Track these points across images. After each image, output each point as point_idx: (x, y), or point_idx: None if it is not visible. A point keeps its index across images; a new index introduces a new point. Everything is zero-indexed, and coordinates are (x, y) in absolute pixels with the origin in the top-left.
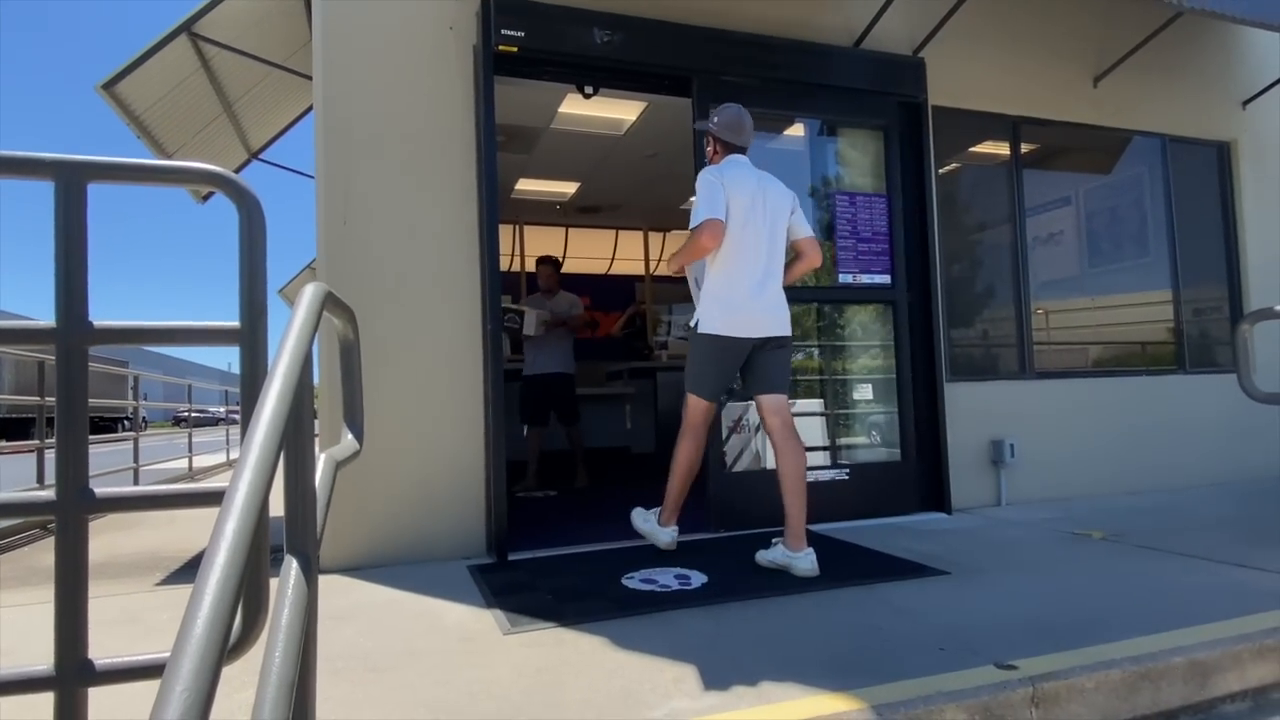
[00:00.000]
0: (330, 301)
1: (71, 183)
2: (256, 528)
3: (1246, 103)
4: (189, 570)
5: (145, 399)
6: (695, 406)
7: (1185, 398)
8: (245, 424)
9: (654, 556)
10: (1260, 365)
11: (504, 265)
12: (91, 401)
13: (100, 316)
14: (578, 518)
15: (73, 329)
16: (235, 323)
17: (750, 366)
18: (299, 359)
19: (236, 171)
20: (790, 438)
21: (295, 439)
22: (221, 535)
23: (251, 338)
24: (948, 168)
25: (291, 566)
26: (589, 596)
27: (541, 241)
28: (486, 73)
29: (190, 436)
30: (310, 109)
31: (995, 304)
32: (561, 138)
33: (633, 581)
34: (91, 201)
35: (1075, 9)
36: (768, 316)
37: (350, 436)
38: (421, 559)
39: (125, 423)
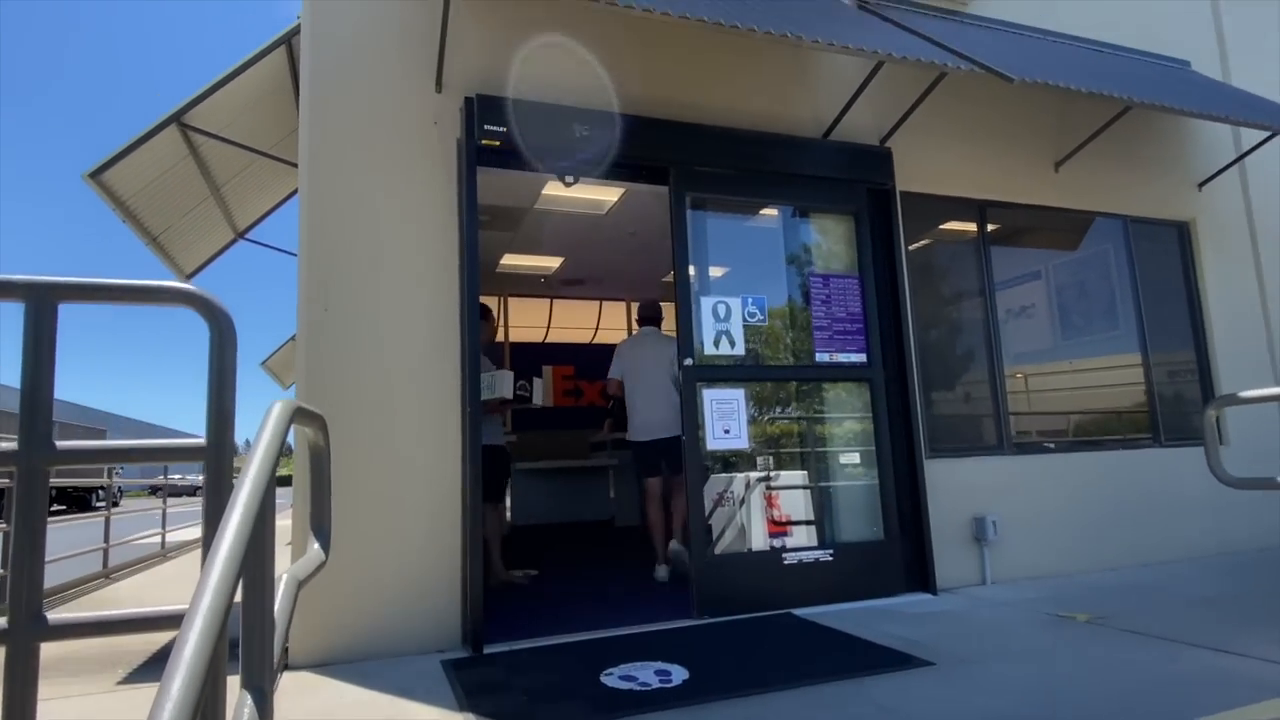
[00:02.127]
0: (299, 415)
1: (42, 304)
2: (213, 658)
3: (1202, 184)
4: (152, 667)
5: (120, 471)
6: (648, 484)
7: (1161, 471)
8: (207, 546)
9: (635, 650)
10: (1238, 437)
11: (489, 336)
12: (65, 478)
13: (65, 385)
14: (558, 602)
15: (34, 452)
16: (200, 439)
17: (665, 456)
18: (260, 486)
19: (223, 250)
20: (678, 498)
21: (255, 568)
22: (173, 681)
23: (217, 454)
24: (919, 244)
25: (245, 704)
26: (566, 697)
27: (526, 313)
28: (470, 165)
29: (164, 509)
30: (296, 192)
31: (970, 380)
32: (545, 217)
33: (611, 679)
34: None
35: (1032, 101)
36: (656, 426)
37: (317, 546)
38: (396, 653)
39: (99, 492)
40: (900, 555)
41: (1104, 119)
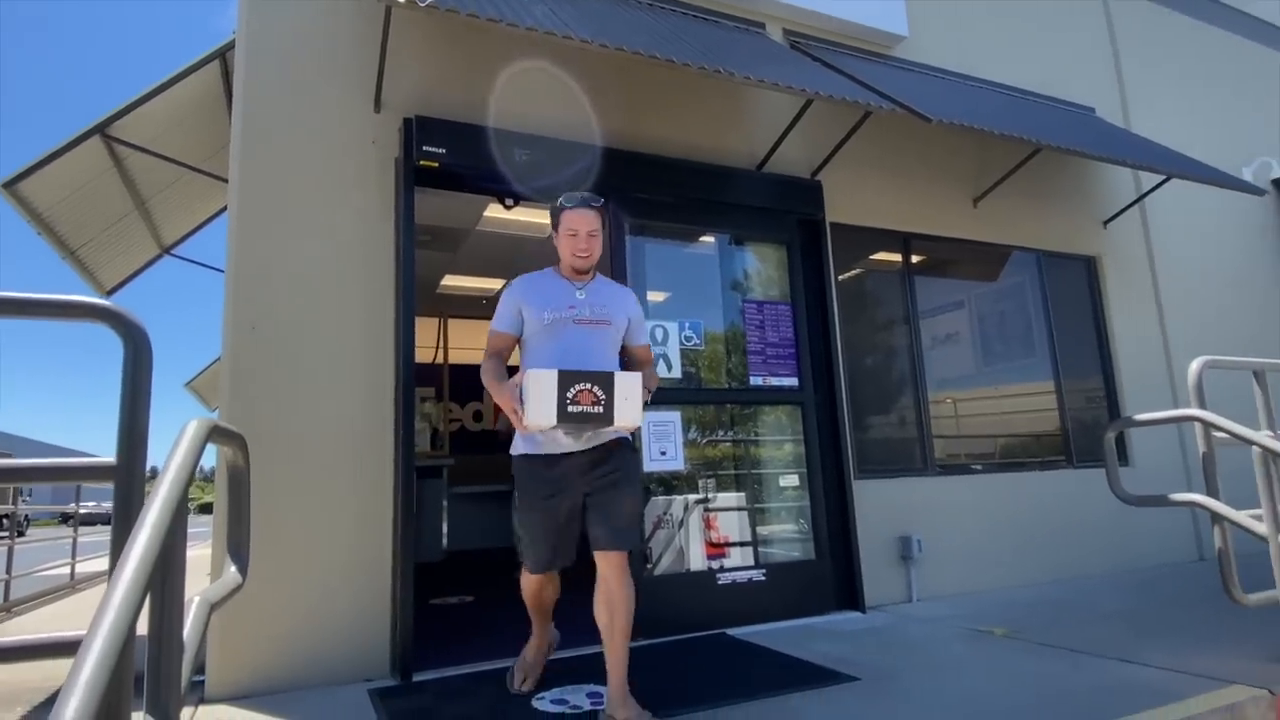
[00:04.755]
0: (217, 433)
1: None
2: (113, 682)
3: (1107, 222)
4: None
5: (29, 497)
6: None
7: (1073, 491)
8: (113, 568)
9: (568, 674)
10: (1142, 459)
11: (428, 358)
12: None
13: None
14: (492, 628)
15: None
16: (110, 458)
17: None
18: (172, 503)
19: (147, 266)
20: None
21: (163, 587)
22: (67, 705)
23: (128, 474)
24: (848, 274)
25: None
26: None
27: (467, 335)
28: (407, 185)
29: (75, 538)
30: (226, 209)
31: (896, 403)
32: (487, 238)
33: (543, 703)
34: None
35: (951, 140)
36: None
37: (234, 569)
38: (321, 683)
39: (3, 520)
40: (830, 574)
41: (1017, 159)
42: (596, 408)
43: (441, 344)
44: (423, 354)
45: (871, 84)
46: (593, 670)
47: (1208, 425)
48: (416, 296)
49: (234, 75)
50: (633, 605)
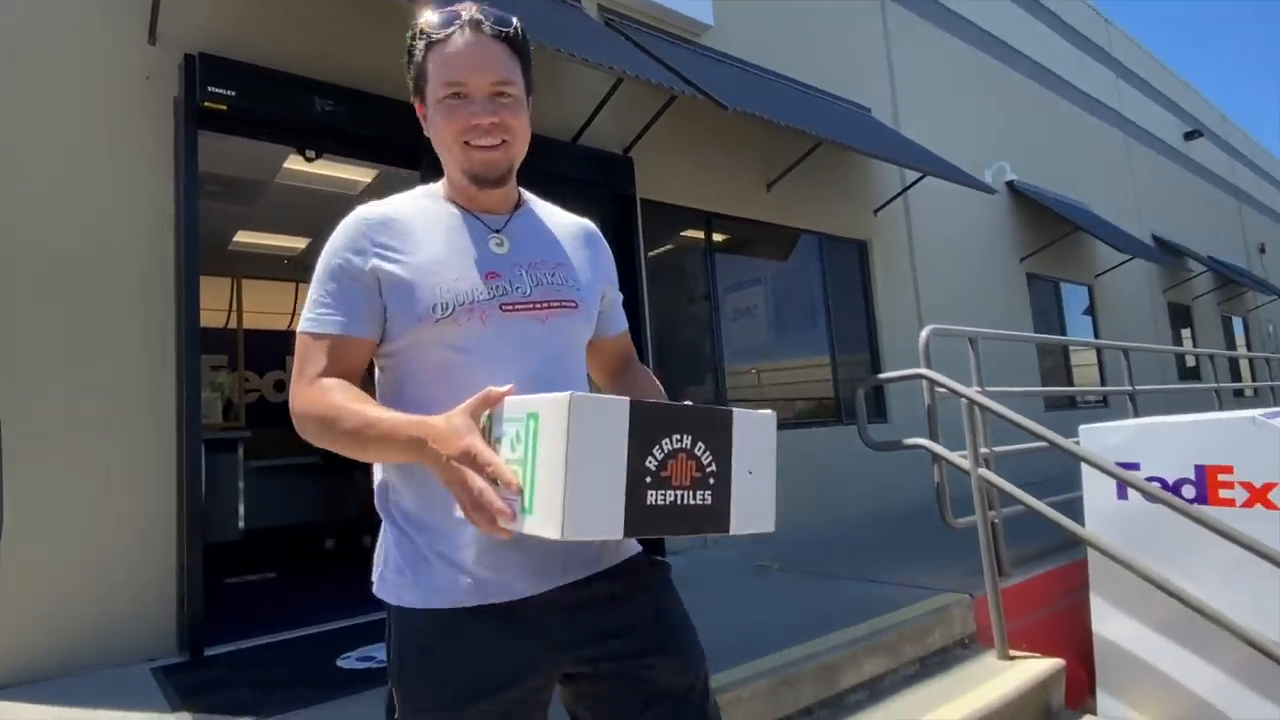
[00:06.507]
0: None
1: None
2: None
3: (876, 211)
4: None
5: None
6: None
7: (843, 445)
8: None
9: (375, 633)
10: (897, 415)
11: (219, 322)
12: None
13: None
14: (295, 600)
15: None
16: None
17: None
18: None
19: None
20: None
21: None
22: None
23: None
24: (657, 250)
25: None
26: (298, 684)
27: (266, 298)
28: (189, 128)
29: None
30: None
31: (698, 369)
32: (288, 192)
33: (348, 661)
34: None
35: (749, 129)
36: None
37: None
38: (94, 665)
39: None
40: None
41: (803, 150)
42: (700, 494)
43: (235, 307)
44: (214, 317)
45: (677, 68)
46: None
47: (931, 381)
48: (204, 253)
49: None
50: None
